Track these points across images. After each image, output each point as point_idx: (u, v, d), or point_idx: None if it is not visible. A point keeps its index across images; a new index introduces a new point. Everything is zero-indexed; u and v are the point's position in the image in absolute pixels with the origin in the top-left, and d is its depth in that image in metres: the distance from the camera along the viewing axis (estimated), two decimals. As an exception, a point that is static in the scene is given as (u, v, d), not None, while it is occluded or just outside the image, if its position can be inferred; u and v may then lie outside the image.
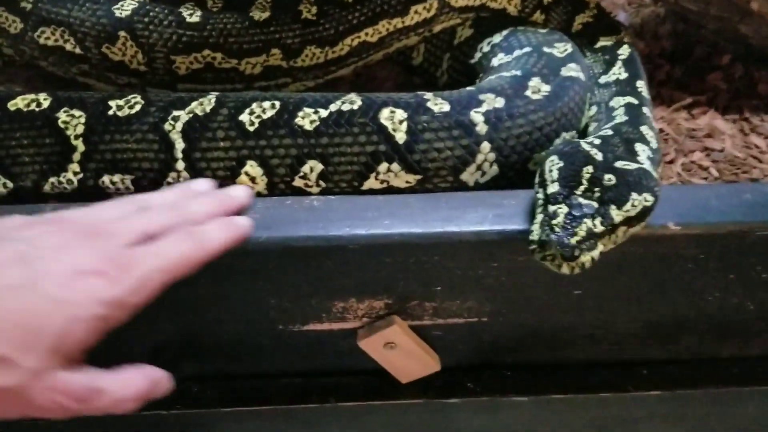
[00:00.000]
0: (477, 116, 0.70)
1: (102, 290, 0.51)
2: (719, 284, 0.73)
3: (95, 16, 0.80)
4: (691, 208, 0.68)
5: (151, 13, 0.80)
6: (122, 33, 0.80)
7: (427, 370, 0.77)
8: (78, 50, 0.82)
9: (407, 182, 0.71)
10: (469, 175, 0.71)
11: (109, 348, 0.74)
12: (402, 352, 0.74)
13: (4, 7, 0.83)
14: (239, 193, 0.66)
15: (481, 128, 0.70)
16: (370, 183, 0.70)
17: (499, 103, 0.72)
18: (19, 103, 0.73)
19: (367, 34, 0.84)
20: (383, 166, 0.70)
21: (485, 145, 0.70)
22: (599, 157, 0.64)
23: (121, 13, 0.80)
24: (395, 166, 0.70)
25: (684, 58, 0.95)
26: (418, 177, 0.70)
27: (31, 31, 0.83)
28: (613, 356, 0.80)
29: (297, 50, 0.83)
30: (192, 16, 0.80)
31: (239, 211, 0.64)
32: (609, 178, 0.62)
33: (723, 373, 0.79)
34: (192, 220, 0.59)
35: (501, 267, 0.69)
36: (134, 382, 0.55)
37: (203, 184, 0.66)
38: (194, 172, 0.70)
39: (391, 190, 0.71)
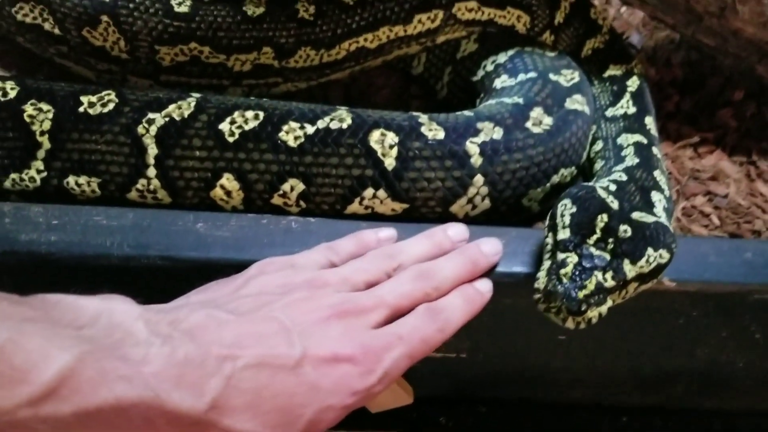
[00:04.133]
0: (472, 147, 0.66)
1: (356, 381, 0.51)
2: (710, 341, 0.70)
3: (77, -3, 0.75)
4: (689, 264, 0.64)
5: (137, -1, 0.75)
6: (105, 17, 0.75)
7: (399, 402, 0.73)
8: (57, 31, 0.77)
9: (393, 210, 0.67)
10: (459, 208, 0.67)
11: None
12: (373, 384, 0.71)
13: (-19, -23, 0.77)
14: (492, 249, 0.61)
15: (476, 160, 0.66)
16: (354, 208, 0.66)
17: (497, 134, 0.67)
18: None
19: (366, 39, 0.79)
20: (369, 192, 0.65)
21: (478, 179, 0.66)
22: (615, 205, 0.60)
23: (104, -4, 0.75)
24: (381, 193, 0.65)
25: (695, 90, 0.91)
26: (405, 206, 0.66)
27: (8, 5, 0.78)
28: (593, 401, 0.77)
29: (290, 50, 0.78)
30: (181, 5, 0.75)
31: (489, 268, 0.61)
32: (625, 230, 0.58)
33: (705, 427, 0.77)
34: (440, 289, 0.58)
35: (485, 307, 0.66)
36: None
37: (459, 231, 0.62)
38: (166, 181, 0.66)
39: (375, 217, 0.67)
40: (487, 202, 0.68)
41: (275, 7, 0.77)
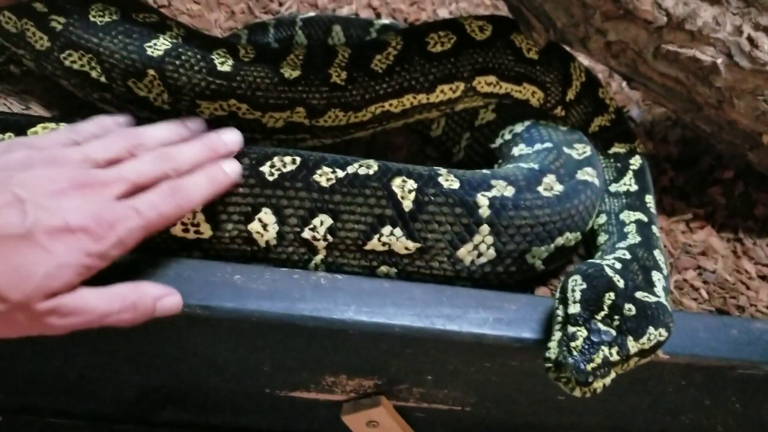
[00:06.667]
0: (483, 199, 0.73)
1: (88, 245, 0.57)
2: (694, 408, 0.76)
3: (126, 50, 0.80)
4: (681, 338, 0.70)
5: (182, 56, 0.80)
6: (151, 71, 0.80)
7: (404, 449, 0.78)
8: (103, 79, 0.82)
9: (407, 248, 0.73)
10: (465, 252, 0.74)
11: (98, 385, 0.75)
12: (383, 432, 0.76)
13: (33, 23, 0.82)
14: (231, 138, 0.70)
15: (484, 211, 0.73)
16: (373, 243, 0.73)
17: (509, 191, 0.74)
18: (39, 131, 0.72)
19: (391, 105, 0.85)
20: (387, 229, 0.72)
21: (485, 228, 0.73)
22: (621, 284, 0.66)
23: (153, 52, 0.79)
24: (398, 231, 0.72)
25: (689, 166, 0.98)
26: (418, 245, 0.73)
27: (57, 51, 0.82)
28: (583, 456, 0.82)
29: (321, 111, 0.84)
30: (223, 64, 0.80)
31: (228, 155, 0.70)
32: (629, 308, 0.64)
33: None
34: (179, 170, 0.64)
35: (493, 368, 0.71)
36: (120, 298, 0.60)
37: (197, 123, 0.72)
38: (209, 215, 0.71)
39: (391, 254, 0.73)
40: (492, 252, 0.74)
41: (310, 70, 0.83)
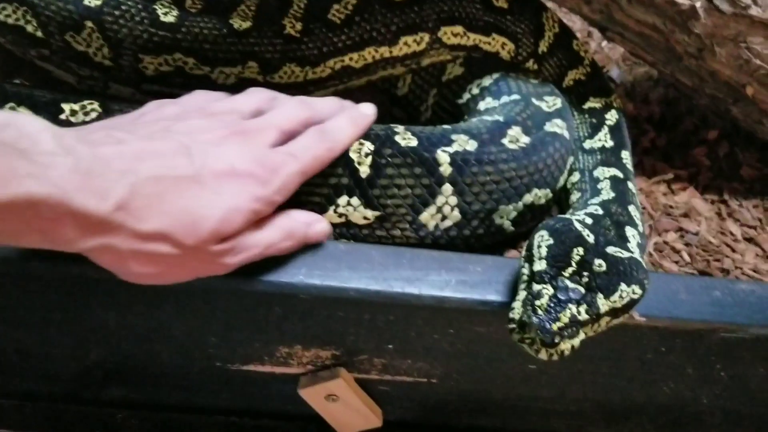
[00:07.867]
0: (443, 156, 0.67)
1: (256, 189, 0.57)
2: (676, 376, 0.71)
3: (62, 1, 0.74)
4: (660, 300, 0.65)
5: (122, 6, 0.74)
6: (89, 23, 0.74)
7: (368, 425, 0.74)
8: (39, 34, 0.76)
9: (365, 218, 0.67)
10: (429, 216, 0.68)
11: (38, 364, 0.70)
12: (344, 406, 0.71)
13: (-37, -26, 0.76)
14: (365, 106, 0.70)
15: (445, 169, 0.67)
16: (329, 216, 0.67)
17: (471, 146, 0.69)
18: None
19: (351, 59, 0.80)
20: (343, 200, 0.67)
21: (447, 187, 0.68)
22: (591, 239, 0.61)
23: (90, 2, 0.74)
24: (355, 200, 0.67)
25: (671, 127, 0.93)
26: (377, 213, 0.67)
27: (-10, 5, 0.76)
28: (560, 430, 0.77)
29: (275, 66, 0.78)
30: (167, 15, 0.75)
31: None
32: (599, 264, 0.59)
33: (666, 461, 0.78)
34: (320, 114, 0.65)
35: (458, 334, 0.66)
36: (278, 228, 0.60)
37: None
38: None
39: (348, 225, 0.67)
40: (456, 213, 0.69)
41: (262, 22, 0.77)
